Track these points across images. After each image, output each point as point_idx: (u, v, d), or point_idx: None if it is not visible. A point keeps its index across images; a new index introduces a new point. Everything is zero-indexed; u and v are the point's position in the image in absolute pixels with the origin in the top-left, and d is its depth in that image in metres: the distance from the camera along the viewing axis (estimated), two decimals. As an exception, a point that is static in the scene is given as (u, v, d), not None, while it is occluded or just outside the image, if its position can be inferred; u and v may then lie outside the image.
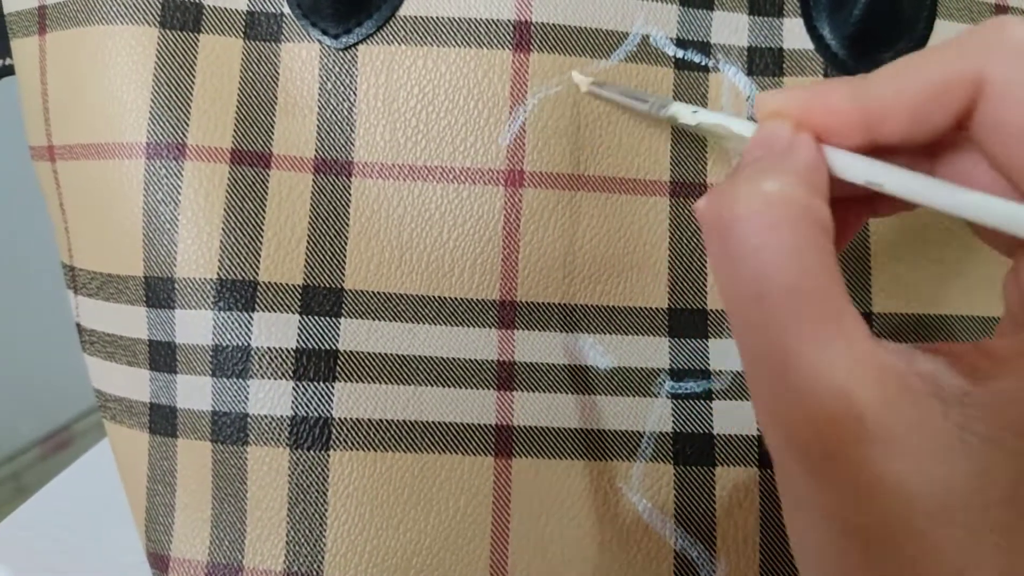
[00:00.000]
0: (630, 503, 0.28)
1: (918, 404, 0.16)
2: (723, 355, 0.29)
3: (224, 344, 0.28)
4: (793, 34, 0.31)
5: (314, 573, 0.28)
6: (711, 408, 0.29)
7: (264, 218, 0.29)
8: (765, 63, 0.30)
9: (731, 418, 0.29)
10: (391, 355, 0.28)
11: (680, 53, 0.30)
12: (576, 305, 0.29)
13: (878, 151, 0.19)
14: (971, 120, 0.18)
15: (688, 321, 0.29)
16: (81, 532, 0.39)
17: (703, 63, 0.30)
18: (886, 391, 0.16)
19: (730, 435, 0.29)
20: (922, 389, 0.16)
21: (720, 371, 0.29)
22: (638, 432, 0.29)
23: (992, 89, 0.17)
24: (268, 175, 0.29)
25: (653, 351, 0.29)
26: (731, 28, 0.30)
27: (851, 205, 0.22)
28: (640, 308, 0.29)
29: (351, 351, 0.28)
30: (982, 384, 0.16)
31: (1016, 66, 0.17)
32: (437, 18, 0.29)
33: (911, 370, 0.16)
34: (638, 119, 0.30)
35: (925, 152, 0.20)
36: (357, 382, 0.28)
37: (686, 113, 0.25)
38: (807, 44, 0.30)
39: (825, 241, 0.17)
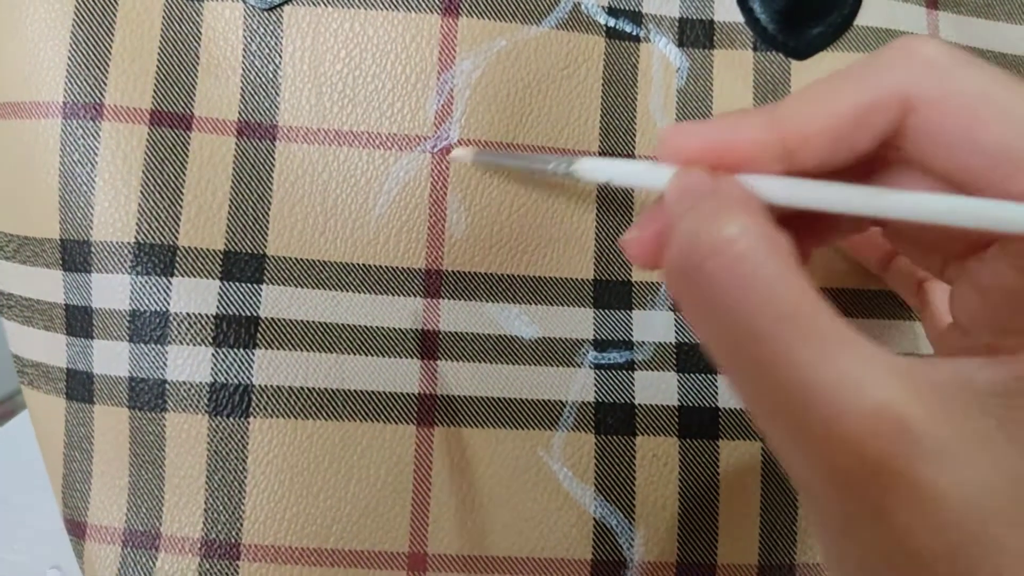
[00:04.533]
0: (551, 472, 0.28)
1: (956, 404, 0.15)
2: (646, 326, 0.29)
3: (142, 309, 0.28)
4: (724, 6, 0.31)
5: (232, 540, 0.28)
6: (633, 378, 0.29)
7: (184, 181, 0.28)
8: (696, 35, 0.30)
9: (652, 388, 0.29)
10: (313, 323, 0.28)
11: (612, 22, 0.30)
12: (502, 275, 0.29)
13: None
14: (902, 138, 0.18)
15: (613, 292, 0.29)
16: (1, 498, 0.38)
17: (635, 33, 0.30)
18: (923, 397, 0.15)
19: (651, 405, 0.29)
20: (955, 388, 0.15)
21: (643, 342, 0.29)
22: (560, 402, 0.29)
23: (921, 104, 0.17)
24: (189, 137, 0.28)
25: (578, 322, 0.29)
26: None
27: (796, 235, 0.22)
28: (566, 279, 0.29)
29: (272, 318, 0.28)
30: (1009, 373, 0.16)
31: (938, 78, 0.17)
32: None
33: (936, 372, 0.16)
34: (569, 88, 0.30)
35: (855, 176, 0.20)
36: (278, 349, 0.28)
37: (593, 171, 0.22)
38: (738, 17, 0.30)
39: (796, 265, 0.16)
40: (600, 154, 0.30)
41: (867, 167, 0.20)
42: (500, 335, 0.29)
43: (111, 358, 0.28)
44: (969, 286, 0.20)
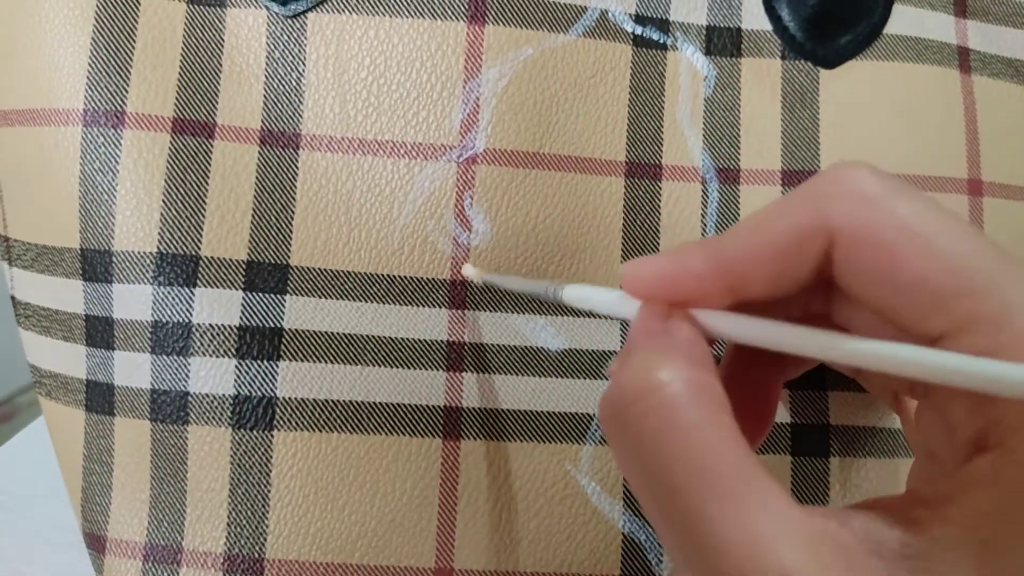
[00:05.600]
0: (578, 486, 0.28)
1: (859, 567, 0.15)
2: (674, 338, 0.29)
3: (164, 320, 0.27)
4: (752, 14, 0.30)
5: (256, 555, 0.27)
6: None
7: (207, 190, 0.28)
8: (723, 43, 0.30)
9: None
10: (338, 334, 0.28)
11: (639, 30, 0.30)
12: None
13: (751, 308, 0.19)
14: (831, 269, 0.18)
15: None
16: (17, 510, 0.38)
17: (662, 41, 0.30)
18: (822, 559, 0.15)
19: None
20: (860, 549, 0.15)
21: None
22: (588, 415, 0.28)
23: (842, 236, 0.17)
24: (212, 145, 0.28)
25: (604, 333, 0.29)
26: (690, 6, 0.30)
27: (760, 373, 0.22)
28: None
29: (296, 329, 0.28)
30: (921, 533, 0.15)
31: (861, 210, 0.17)
32: None
33: (845, 531, 0.16)
34: (596, 97, 0.29)
35: (817, 299, 0.20)
36: (302, 361, 0.28)
37: (575, 298, 0.23)
38: (765, 25, 0.30)
39: (722, 414, 0.17)
40: (628, 164, 0.29)
41: (824, 293, 0.20)
42: (526, 347, 0.29)
43: (132, 370, 0.28)
44: (930, 412, 0.19)
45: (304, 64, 0.28)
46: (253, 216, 0.28)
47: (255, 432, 0.27)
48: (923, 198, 0.17)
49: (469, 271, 0.28)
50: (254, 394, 0.27)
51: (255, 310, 0.28)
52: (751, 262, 0.18)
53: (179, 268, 0.27)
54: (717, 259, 0.19)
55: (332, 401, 0.28)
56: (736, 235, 0.19)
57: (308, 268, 0.28)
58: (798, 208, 0.18)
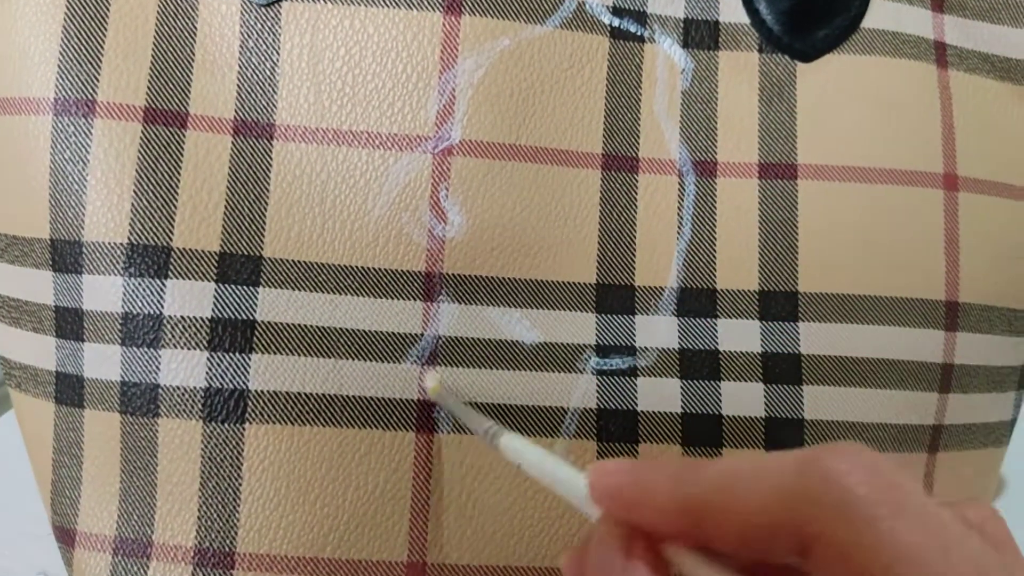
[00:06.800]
0: None
1: None
2: (649, 332, 0.29)
3: (135, 312, 0.27)
4: (730, 7, 0.30)
5: (227, 549, 0.27)
6: (635, 385, 0.29)
7: (179, 181, 0.28)
8: (701, 36, 0.30)
9: (655, 395, 0.28)
10: (311, 327, 0.28)
11: (616, 22, 0.30)
12: (503, 278, 0.29)
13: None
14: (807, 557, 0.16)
15: (615, 297, 0.29)
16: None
17: (639, 33, 0.30)
18: None
19: (654, 412, 0.28)
20: None
21: (645, 348, 0.29)
22: (562, 408, 0.28)
23: (819, 547, 0.16)
24: (184, 136, 0.28)
25: (580, 327, 0.29)
26: None
27: None
28: (568, 283, 0.29)
29: (269, 322, 0.27)
30: None
31: (843, 531, 0.15)
32: None
33: None
34: (573, 89, 0.29)
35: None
36: (275, 354, 0.27)
37: (511, 449, 0.23)
38: (743, 18, 0.30)
39: None
40: (604, 156, 0.29)
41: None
42: (501, 340, 0.28)
43: (102, 361, 0.28)
44: None
45: (278, 53, 0.28)
46: (226, 207, 0.28)
47: (226, 425, 0.27)
48: (920, 512, 0.15)
49: (430, 381, 0.28)
50: (226, 387, 0.27)
51: (227, 302, 0.27)
52: (718, 523, 0.17)
53: (150, 259, 0.27)
54: (684, 502, 0.17)
55: (305, 394, 0.27)
56: (711, 479, 0.17)
57: (281, 260, 0.28)
58: (777, 501, 0.16)
